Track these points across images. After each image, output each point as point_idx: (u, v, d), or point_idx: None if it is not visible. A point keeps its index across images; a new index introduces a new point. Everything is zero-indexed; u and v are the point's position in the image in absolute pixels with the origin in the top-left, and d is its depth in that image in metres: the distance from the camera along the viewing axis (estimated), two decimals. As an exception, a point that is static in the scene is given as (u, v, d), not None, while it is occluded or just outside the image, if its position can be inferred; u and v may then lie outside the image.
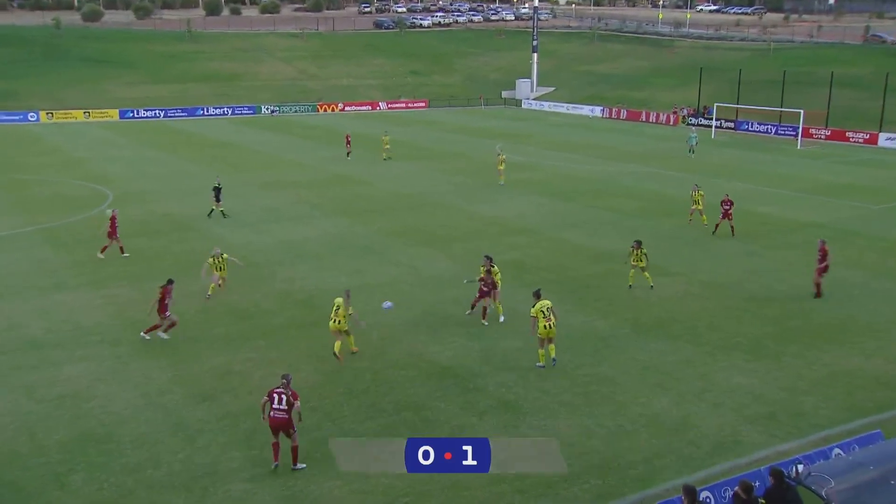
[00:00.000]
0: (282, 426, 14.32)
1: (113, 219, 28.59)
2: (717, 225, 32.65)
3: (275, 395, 14.37)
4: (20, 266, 27.62)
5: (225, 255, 24.27)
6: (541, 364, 18.95)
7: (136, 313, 22.76)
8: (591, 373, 18.94)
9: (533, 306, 18.73)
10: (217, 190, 35.55)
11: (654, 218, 35.97)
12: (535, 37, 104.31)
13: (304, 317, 22.74)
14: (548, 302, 18.77)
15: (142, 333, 20.72)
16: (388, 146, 55.05)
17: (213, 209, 35.63)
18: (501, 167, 44.87)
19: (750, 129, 73.01)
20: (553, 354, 18.95)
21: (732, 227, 32.41)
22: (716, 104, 71.13)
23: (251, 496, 13.74)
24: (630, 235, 32.39)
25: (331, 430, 16.02)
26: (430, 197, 40.83)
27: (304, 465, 14.73)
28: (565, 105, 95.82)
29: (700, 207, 34.06)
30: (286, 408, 14.28)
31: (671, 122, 79.28)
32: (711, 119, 72.42)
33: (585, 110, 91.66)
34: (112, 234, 28.44)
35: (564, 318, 22.58)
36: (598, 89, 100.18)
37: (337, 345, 19.38)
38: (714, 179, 46.81)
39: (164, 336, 20.68)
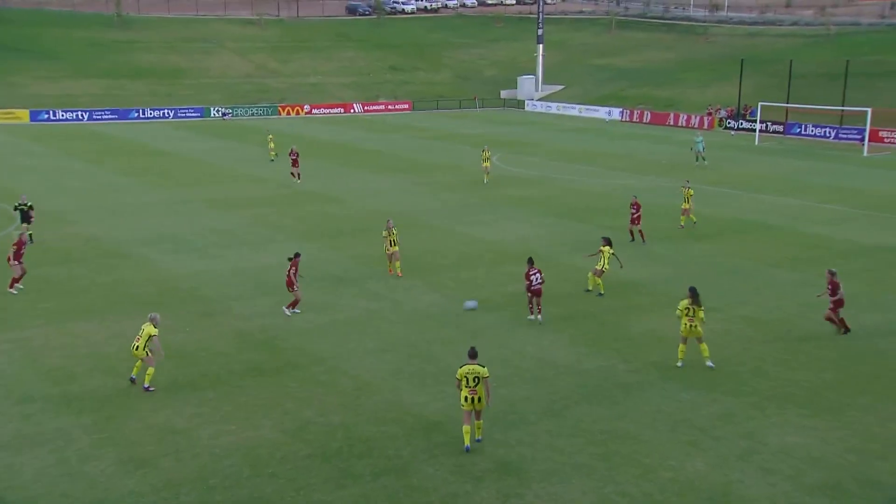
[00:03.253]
0: None
1: (20, 243, 28.50)
2: (630, 231, 35.85)
3: None
4: (-88, 302, 27.46)
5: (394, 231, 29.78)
6: (466, 447, 17.68)
7: (52, 360, 22.61)
8: (609, 428, 18.92)
9: (461, 366, 17.70)
10: (23, 211, 34.49)
11: (685, 241, 36.19)
12: (540, 24, 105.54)
13: (265, 362, 22.64)
14: (483, 370, 17.48)
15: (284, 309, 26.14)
16: (272, 145, 59.21)
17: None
18: (487, 164, 50.01)
19: (803, 132, 73.81)
20: (479, 434, 18.01)
21: (641, 232, 35.64)
22: (760, 103, 71.87)
23: (196, 583, 13.61)
24: (655, 262, 32.69)
25: (295, 501, 15.89)
26: (414, 217, 40.95)
27: None
28: (577, 106, 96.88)
29: (689, 206, 38.01)
30: None
31: (705, 126, 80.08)
32: (755, 121, 73.13)
33: (601, 112, 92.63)
34: (15, 258, 28.16)
35: (577, 361, 22.70)
36: (617, 87, 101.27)
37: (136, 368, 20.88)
38: (757, 195, 47.21)
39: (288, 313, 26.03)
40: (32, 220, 34.67)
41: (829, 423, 19.28)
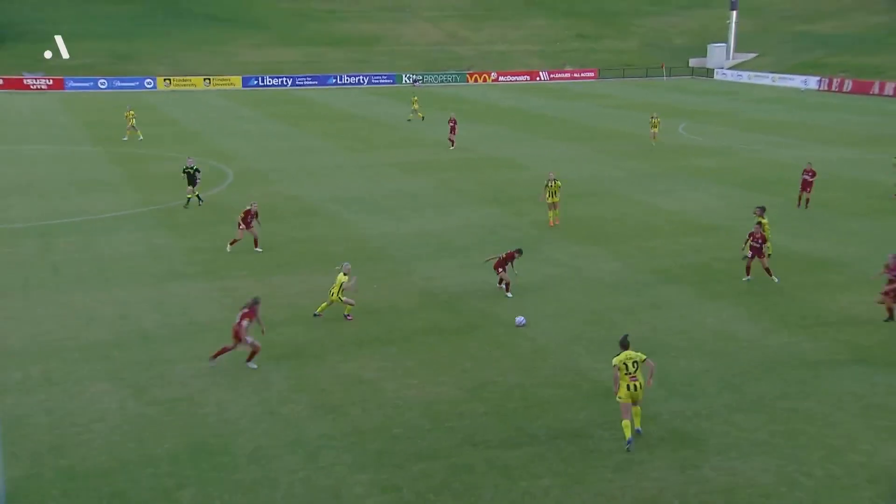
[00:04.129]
0: (233, 334, 19.64)
1: (248, 212, 28.85)
2: (798, 198, 35.38)
3: (241, 311, 19.94)
4: (134, 249, 29.59)
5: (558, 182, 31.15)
6: (628, 441, 16.26)
7: (256, 308, 23.83)
8: (795, 407, 18.09)
9: (616, 355, 16.56)
10: (190, 173, 34.89)
11: (883, 217, 33.98)
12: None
13: (446, 321, 23.02)
14: (639, 355, 16.38)
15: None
16: (416, 106, 61.57)
17: (189, 197, 35.15)
18: (655, 129, 51.53)
19: None
20: (638, 424, 16.65)
21: (808, 199, 35.04)
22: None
23: (378, 527, 14.07)
24: (850, 238, 30.92)
25: (472, 456, 16.12)
26: (597, 185, 40.41)
27: (256, 367, 19.72)
28: (770, 75, 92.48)
29: None
30: (239, 321, 19.62)
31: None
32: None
33: (796, 81, 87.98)
34: (246, 223, 28.81)
35: (760, 336, 21.84)
36: (815, 55, 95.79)
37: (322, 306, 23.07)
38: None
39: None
40: (198, 182, 35.25)
41: None
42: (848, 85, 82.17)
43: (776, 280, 25.80)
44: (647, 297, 24.86)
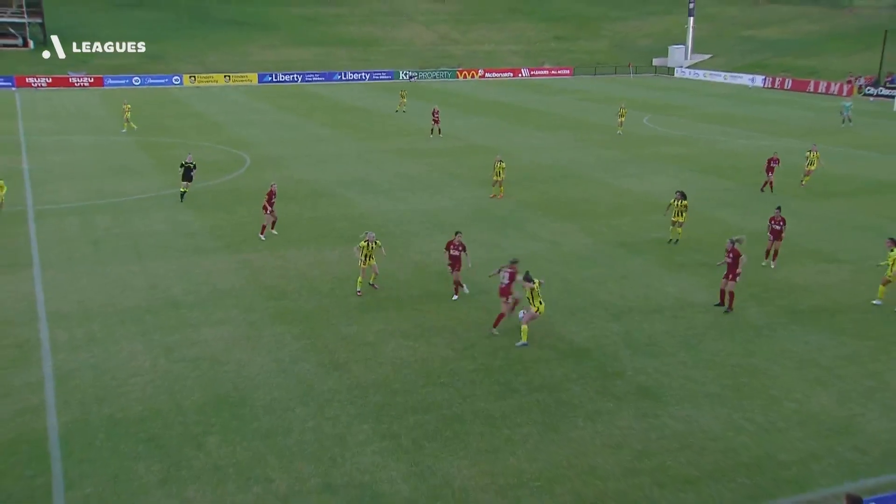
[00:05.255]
0: (503, 293, 19.50)
1: (271, 193, 27.89)
2: (764, 183, 35.07)
3: (505, 272, 19.33)
4: (163, 227, 29.46)
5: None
6: (524, 342, 18.97)
7: (269, 279, 23.82)
8: (741, 363, 18.23)
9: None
10: (187, 168, 32.72)
11: (819, 199, 34.08)
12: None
13: (439, 290, 23.01)
14: (537, 282, 18.93)
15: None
16: (404, 100, 60.93)
17: (183, 191, 32.81)
18: (622, 118, 51.62)
19: (947, 99, 67.73)
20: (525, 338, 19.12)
21: (771, 183, 34.77)
22: (901, 71, 66.25)
23: (379, 470, 14.13)
24: (791, 218, 30.95)
25: (461, 407, 16.21)
26: (573, 169, 40.32)
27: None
28: (722, 74, 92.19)
29: (812, 168, 36.04)
30: (508, 282, 19.28)
31: (843, 93, 74.59)
32: (895, 88, 67.56)
33: (745, 79, 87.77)
34: (266, 207, 27.78)
35: (714, 302, 21.85)
36: (761, 57, 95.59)
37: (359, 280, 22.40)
38: (891, 156, 43.75)
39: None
40: (192, 178, 32.93)
41: (954, 371, 17.80)
42: (788, 83, 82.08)
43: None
44: (616, 269, 24.91)
